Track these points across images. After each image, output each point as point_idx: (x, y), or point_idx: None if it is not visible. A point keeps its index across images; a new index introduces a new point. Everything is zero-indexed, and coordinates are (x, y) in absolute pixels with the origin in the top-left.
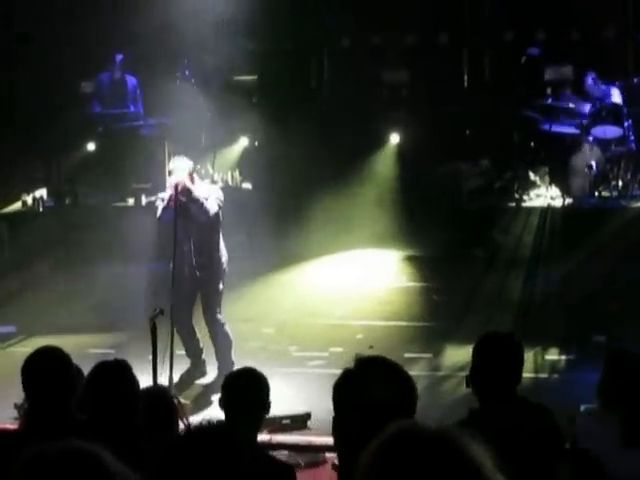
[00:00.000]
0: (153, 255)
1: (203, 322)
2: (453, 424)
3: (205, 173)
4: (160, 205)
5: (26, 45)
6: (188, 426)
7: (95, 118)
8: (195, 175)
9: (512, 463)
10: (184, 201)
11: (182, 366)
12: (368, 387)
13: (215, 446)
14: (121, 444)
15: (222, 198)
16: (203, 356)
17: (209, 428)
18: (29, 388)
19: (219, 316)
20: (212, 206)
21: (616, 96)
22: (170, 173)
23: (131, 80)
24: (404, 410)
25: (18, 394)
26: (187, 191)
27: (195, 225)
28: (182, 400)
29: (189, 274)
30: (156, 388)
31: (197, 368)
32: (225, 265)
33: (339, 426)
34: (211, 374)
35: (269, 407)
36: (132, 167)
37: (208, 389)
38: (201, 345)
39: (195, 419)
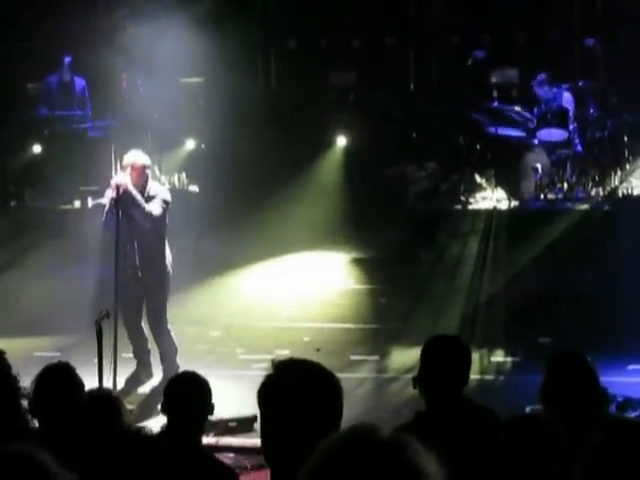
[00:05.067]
0: (99, 257)
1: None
2: (400, 426)
3: (152, 175)
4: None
5: None
6: (128, 429)
7: (41, 120)
8: (149, 171)
9: (457, 464)
10: (126, 204)
11: (128, 369)
12: (289, 390)
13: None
14: (65, 447)
15: (169, 199)
16: (150, 358)
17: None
18: None
19: (164, 322)
20: (155, 209)
21: (566, 99)
22: (124, 169)
23: (79, 82)
24: (329, 411)
25: None
26: (128, 194)
27: (139, 226)
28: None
29: (132, 275)
30: (101, 390)
31: (143, 370)
32: (169, 268)
33: (264, 431)
34: (156, 378)
35: (212, 409)
36: (78, 169)
37: (153, 394)
38: (149, 346)
39: (139, 424)
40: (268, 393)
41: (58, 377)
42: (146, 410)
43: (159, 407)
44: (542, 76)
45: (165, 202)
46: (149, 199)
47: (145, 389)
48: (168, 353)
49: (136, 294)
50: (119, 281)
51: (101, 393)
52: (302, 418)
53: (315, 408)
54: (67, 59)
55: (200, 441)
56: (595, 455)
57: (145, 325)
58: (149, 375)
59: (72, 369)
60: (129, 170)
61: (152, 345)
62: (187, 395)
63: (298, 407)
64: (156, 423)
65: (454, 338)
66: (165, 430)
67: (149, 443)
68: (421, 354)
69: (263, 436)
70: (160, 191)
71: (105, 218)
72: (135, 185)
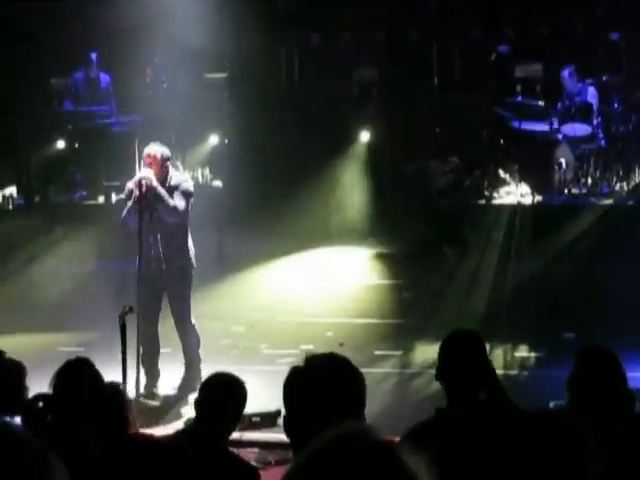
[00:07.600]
0: (123, 252)
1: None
2: (420, 423)
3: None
4: (127, 204)
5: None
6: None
7: (65, 116)
8: (169, 163)
9: (476, 460)
10: (150, 200)
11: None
12: (315, 383)
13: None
14: (79, 442)
15: (192, 189)
16: (159, 369)
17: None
18: None
19: (188, 315)
20: (180, 204)
21: (592, 95)
22: (145, 161)
23: (105, 78)
24: (353, 405)
25: None
26: (152, 189)
27: (161, 219)
28: (149, 401)
29: (156, 267)
30: (108, 385)
31: (152, 383)
32: (193, 260)
33: (290, 424)
34: (178, 372)
35: (242, 414)
36: (102, 165)
37: (176, 386)
38: (158, 356)
39: (165, 416)
40: (292, 384)
41: (77, 372)
42: (171, 404)
43: (185, 400)
44: (571, 68)
45: (188, 194)
46: (170, 189)
47: (168, 382)
48: (191, 347)
49: (157, 288)
50: (142, 275)
51: (108, 388)
52: (324, 409)
53: (337, 399)
54: (93, 55)
55: (227, 441)
56: (617, 452)
57: (160, 326)
58: (156, 387)
59: (91, 364)
60: (148, 162)
61: (175, 342)
62: (224, 397)
63: (320, 398)
64: (180, 417)
65: (471, 333)
66: (192, 425)
67: (169, 444)
68: (439, 350)
69: (287, 426)
70: (182, 181)
71: (126, 214)
72: (156, 177)
